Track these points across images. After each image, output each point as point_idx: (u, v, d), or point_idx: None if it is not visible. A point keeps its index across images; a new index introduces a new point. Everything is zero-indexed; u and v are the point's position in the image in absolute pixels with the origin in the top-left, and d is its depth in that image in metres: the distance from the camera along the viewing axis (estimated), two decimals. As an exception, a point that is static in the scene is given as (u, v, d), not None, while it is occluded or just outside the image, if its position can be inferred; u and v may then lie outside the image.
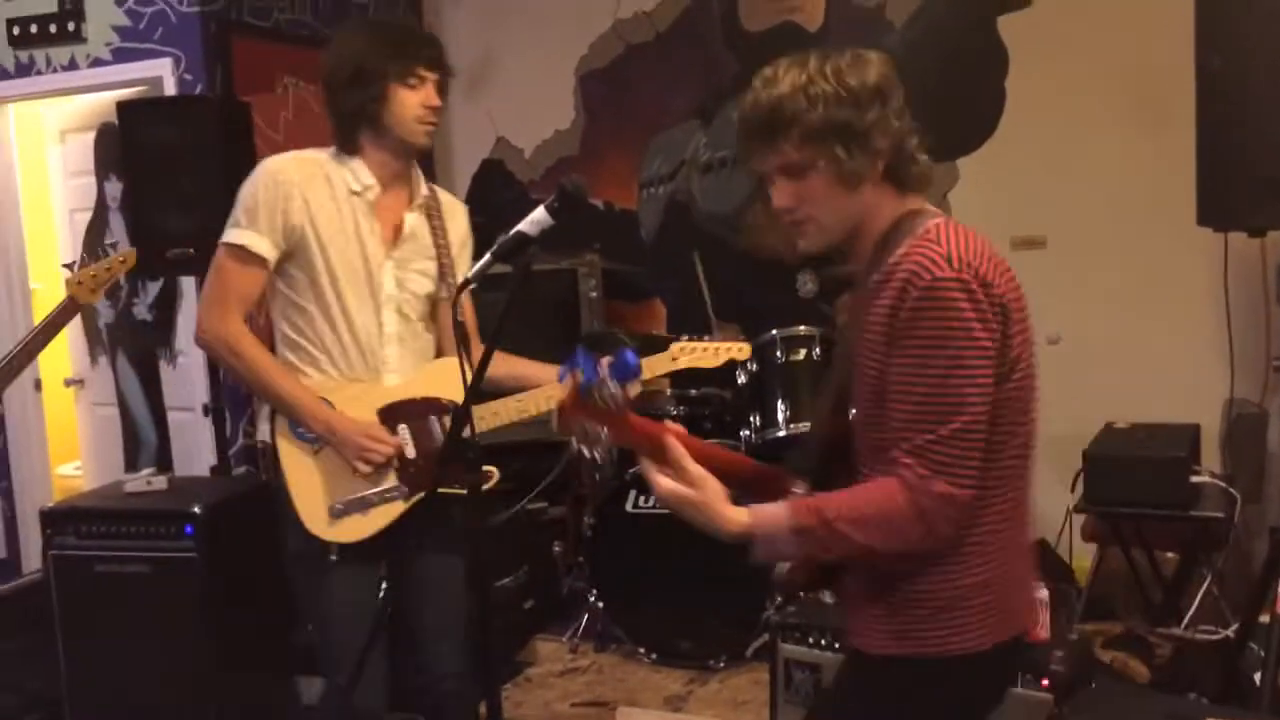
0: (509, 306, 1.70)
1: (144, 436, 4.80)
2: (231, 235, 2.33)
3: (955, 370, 1.48)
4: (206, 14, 4.21)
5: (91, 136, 4.69)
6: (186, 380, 4.43)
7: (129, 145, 3.77)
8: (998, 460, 1.56)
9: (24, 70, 4.50)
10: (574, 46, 5.02)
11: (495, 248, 1.67)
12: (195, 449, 4.35)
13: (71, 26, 4.37)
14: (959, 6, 4.44)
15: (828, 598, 2.64)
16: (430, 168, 5.34)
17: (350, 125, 2.35)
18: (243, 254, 2.31)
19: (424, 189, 2.46)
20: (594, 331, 4.54)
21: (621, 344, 1.65)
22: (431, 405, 2.39)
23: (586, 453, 1.55)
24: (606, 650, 3.94)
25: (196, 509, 3.10)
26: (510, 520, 3.89)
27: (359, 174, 2.36)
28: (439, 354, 2.53)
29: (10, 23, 4.46)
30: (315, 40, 4.71)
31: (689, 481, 1.54)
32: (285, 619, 3.15)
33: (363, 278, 2.36)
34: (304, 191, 2.32)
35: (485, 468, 2.25)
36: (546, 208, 1.69)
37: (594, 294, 4.63)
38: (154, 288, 4.58)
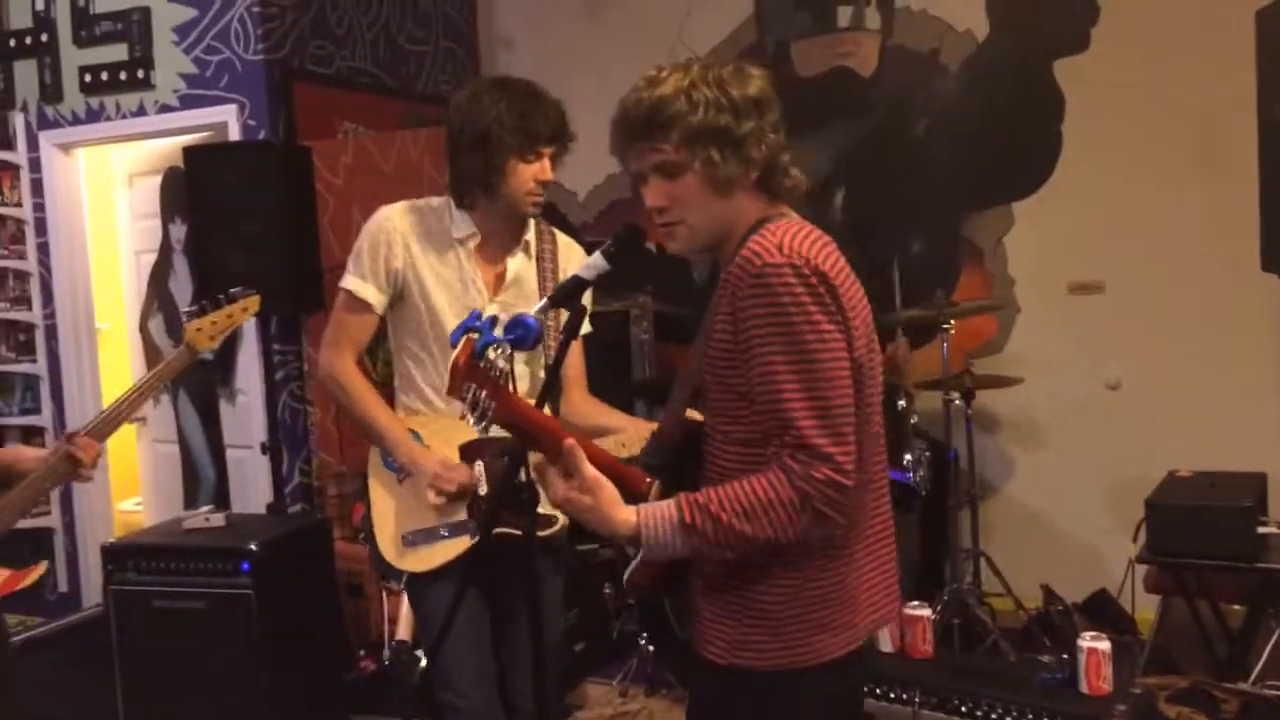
0: (562, 350, 1.70)
1: (203, 474, 4.87)
2: (344, 281, 2.45)
3: (804, 350, 1.50)
4: (270, 62, 4.32)
5: (158, 180, 4.82)
6: (245, 419, 4.49)
7: (194, 189, 3.86)
8: (860, 463, 1.55)
9: (94, 116, 4.64)
10: (628, 91, 5.08)
11: (552, 293, 1.68)
12: (252, 486, 4.41)
13: (141, 74, 4.51)
14: (1015, 50, 4.44)
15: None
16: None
17: (467, 186, 2.41)
18: (351, 299, 2.44)
19: (532, 233, 2.49)
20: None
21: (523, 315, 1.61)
22: (503, 444, 2.37)
23: (472, 423, 1.49)
24: (656, 694, 3.91)
25: (253, 546, 3.14)
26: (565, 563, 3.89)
27: (461, 223, 2.43)
28: (576, 408, 2.52)
29: (82, 70, 4.61)
30: (375, 87, 4.81)
31: (585, 486, 1.53)
32: (341, 657, 3.16)
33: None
34: (406, 239, 2.43)
35: (546, 513, 2.27)
36: (603, 252, 1.69)
37: (645, 336, 4.65)
38: (215, 328, 4.66)
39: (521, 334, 1.53)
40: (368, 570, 3.87)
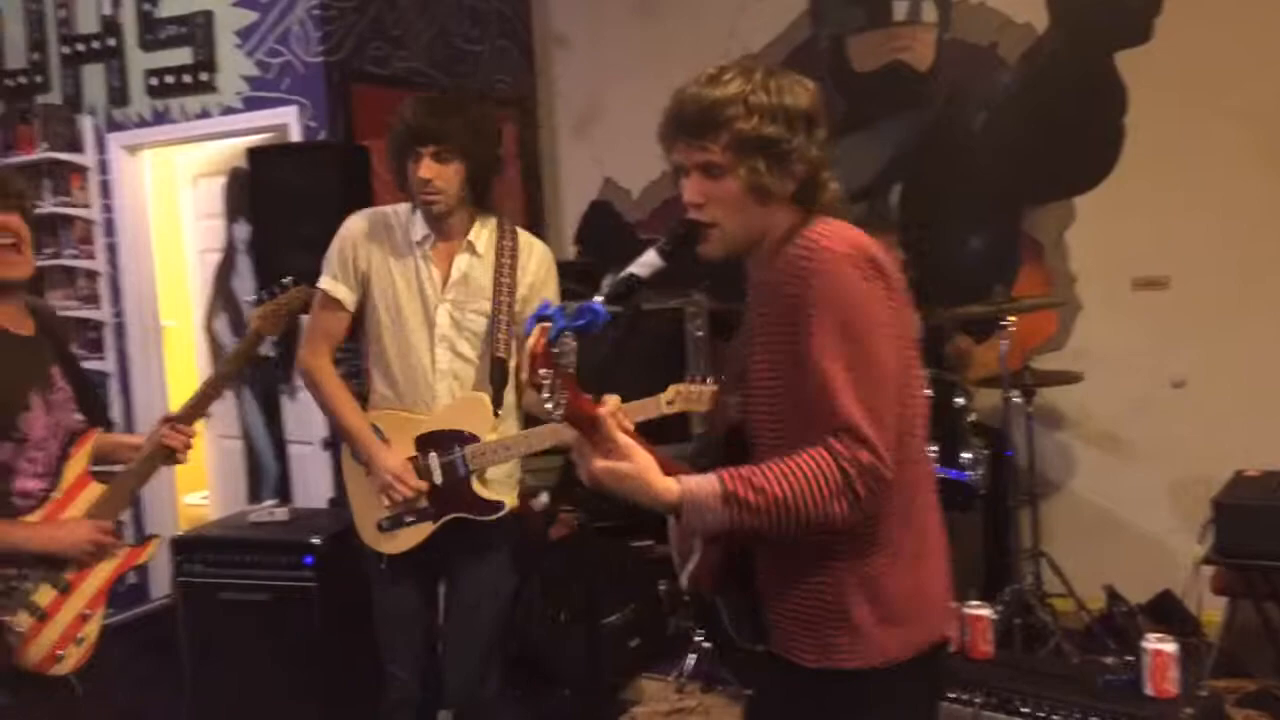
0: (619, 347, 1.70)
1: (266, 468, 4.96)
2: (320, 281, 2.69)
3: (856, 336, 1.51)
4: (330, 63, 4.38)
5: (221, 181, 4.90)
6: (306, 415, 4.56)
7: (256, 189, 3.92)
8: (903, 459, 1.56)
9: (160, 118, 4.74)
10: (688, 83, 5.08)
11: (606, 290, 1.68)
12: (314, 480, 4.47)
13: (205, 77, 4.59)
14: (1075, 43, 4.37)
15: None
16: (539, 208, 5.44)
17: (402, 188, 2.65)
18: (326, 298, 2.68)
19: (484, 232, 2.65)
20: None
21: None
22: (458, 437, 2.61)
23: (550, 409, 1.49)
24: (713, 691, 3.91)
25: (316, 540, 3.19)
26: (620, 558, 3.90)
27: (418, 227, 2.64)
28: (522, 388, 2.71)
29: (149, 73, 4.70)
30: (432, 86, 4.85)
31: (620, 454, 1.52)
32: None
33: (421, 319, 2.63)
34: (370, 241, 2.66)
35: (491, 498, 2.60)
36: (657, 249, 1.69)
37: (700, 333, 4.64)
38: (276, 325, 4.74)
39: (590, 320, 1.54)
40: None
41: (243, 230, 4.82)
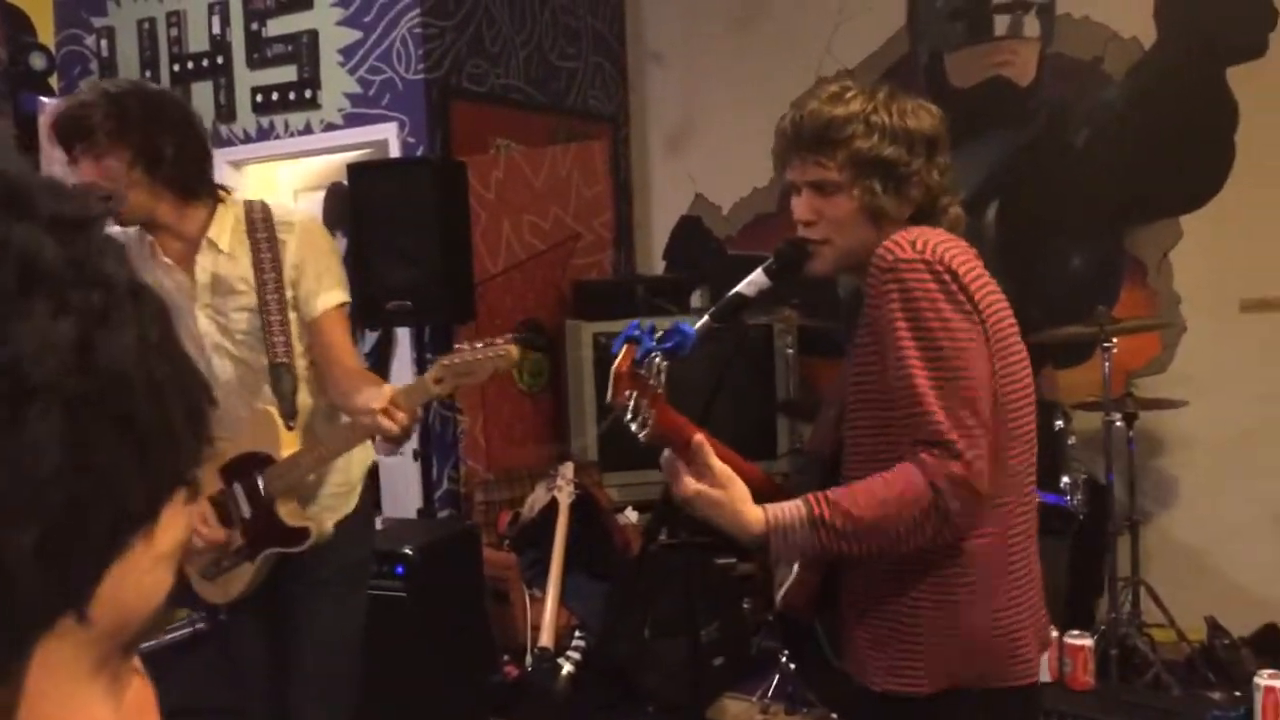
0: (727, 366, 1.71)
1: (358, 477, 5.05)
2: (345, 294, 2.39)
3: (935, 345, 1.47)
4: (430, 81, 4.47)
5: (321, 195, 5.03)
6: (398, 425, 4.64)
7: (356, 203, 4.02)
8: (998, 479, 1.51)
9: (264, 134, 4.88)
10: (776, 104, 5.06)
11: (714, 309, 1.68)
12: (403, 491, 4.54)
13: (309, 94, 4.72)
14: (1185, 57, 4.24)
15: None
16: (629, 224, 5.47)
17: None
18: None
19: (226, 225, 2.27)
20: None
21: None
22: (254, 459, 2.27)
23: (634, 429, 1.47)
24: (798, 713, 3.86)
25: (408, 550, 3.23)
26: (704, 575, 3.89)
27: (144, 237, 2.27)
28: (337, 387, 2.30)
29: (254, 90, 4.85)
30: (526, 103, 4.92)
31: (715, 481, 1.51)
32: (486, 661, 3.23)
33: (186, 333, 2.19)
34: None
35: (297, 525, 2.24)
36: (765, 270, 1.68)
37: (790, 350, 4.61)
38: (372, 337, 4.84)
39: (679, 341, 1.54)
40: (513, 576, 3.95)
41: (341, 244, 4.93)
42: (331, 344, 2.29)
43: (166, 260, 2.26)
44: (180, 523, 0.46)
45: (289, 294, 2.27)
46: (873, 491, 1.48)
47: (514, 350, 2.08)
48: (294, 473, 2.23)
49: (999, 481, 1.52)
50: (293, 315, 2.28)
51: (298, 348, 2.29)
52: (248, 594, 2.33)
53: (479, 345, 2.10)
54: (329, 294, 2.29)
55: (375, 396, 2.08)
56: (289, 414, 2.25)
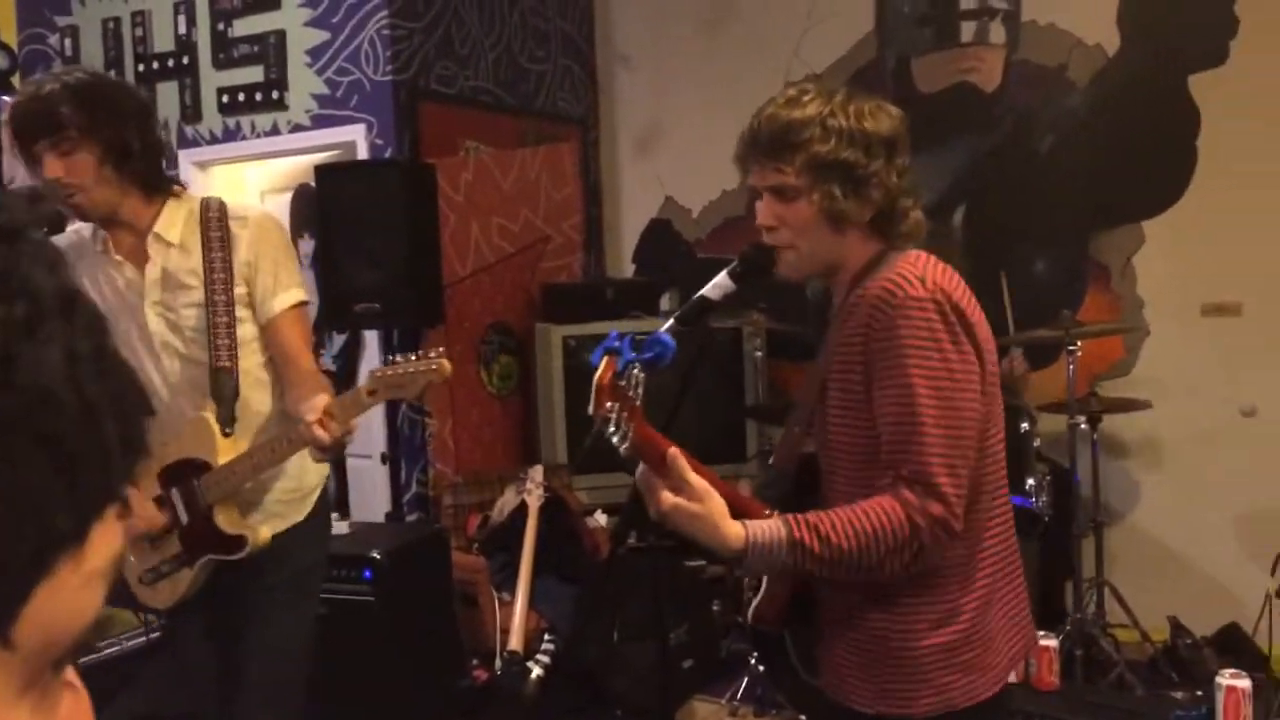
0: (692, 370, 1.70)
1: (325, 481, 5.01)
2: (301, 294, 2.36)
3: (939, 386, 1.48)
4: (398, 82, 4.45)
5: (289, 197, 4.99)
6: (365, 429, 4.61)
7: (324, 205, 4.00)
8: (976, 503, 1.54)
9: (230, 135, 4.84)
10: (745, 107, 5.08)
11: (679, 312, 1.68)
12: (372, 495, 4.52)
13: (275, 95, 4.68)
14: (1148, 65, 4.30)
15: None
16: (599, 227, 5.47)
17: None
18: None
19: (177, 220, 2.24)
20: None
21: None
22: (192, 465, 2.26)
23: (615, 441, 1.47)
24: (767, 714, 3.87)
25: (375, 554, 3.22)
26: (673, 578, 3.89)
27: (94, 232, 2.26)
28: (292, 389, 2.27)
29: (220, 91, 4.81)
30: (495, 105, 4.91)
31: (693, 495, 1.50)
32: (455, 665, 3.22)
33: (136, 332, 2.24)
34: (77, 264, 2.16)
35: (234, 532, 2.22)
36: (729, 272, 1.68)
37: (758, 354, 4.62)
38: (340, 339, 4.82)
39: (659, 352, 1.53)
40: (482, 580, 3.94)
41: (309, 245, 4.90)
42: (289, 344, 2.27)
43: (118, 257, 2.24)
44: (112, 539, 0.45)
45: (241, 291, 2.24)
46: (852, 522, 1.48)
47: (446, 364, 2.07)
48: (230, 480, 2.21)
49: (979, 503, 1.55)
50: (242, 314, 2.25)
51: (245, 350, 2.26)
52: (189, 599, 2.30)
53: (413, 358, 2.09)
54: (286, 293, 2.27)
55: (310, 408, 2.07)
56: (227, 420, 2.22)
